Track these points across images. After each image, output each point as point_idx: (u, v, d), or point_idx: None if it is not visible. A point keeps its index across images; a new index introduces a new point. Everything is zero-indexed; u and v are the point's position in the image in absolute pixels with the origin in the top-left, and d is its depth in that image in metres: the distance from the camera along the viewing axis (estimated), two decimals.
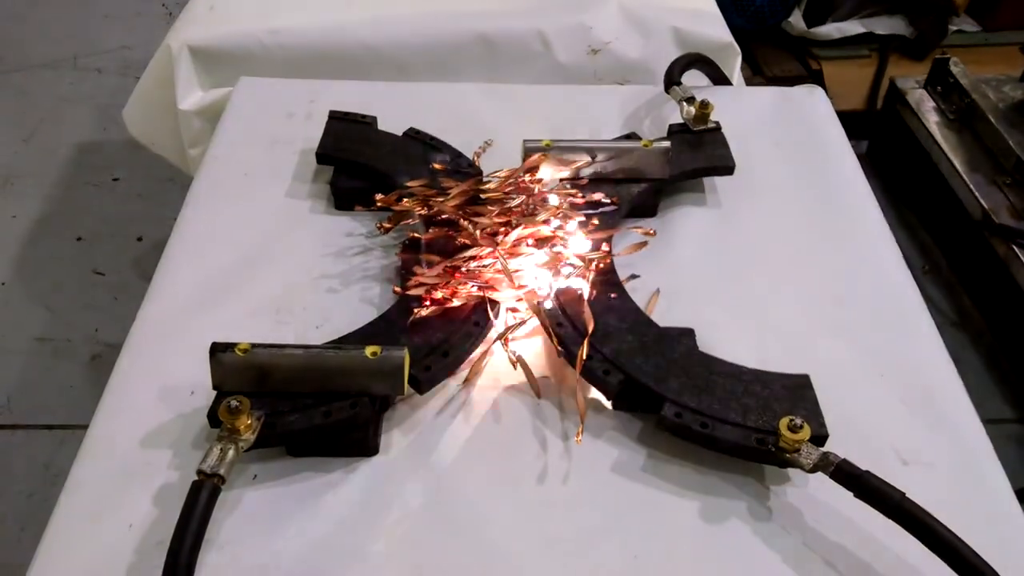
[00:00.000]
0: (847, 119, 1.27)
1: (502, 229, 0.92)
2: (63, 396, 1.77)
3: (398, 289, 0.90)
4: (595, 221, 0.96)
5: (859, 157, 1.19)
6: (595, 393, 0.84)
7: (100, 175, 2.32)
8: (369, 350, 0.76)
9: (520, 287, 0.88)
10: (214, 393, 0.76)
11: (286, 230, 1.03)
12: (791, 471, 0.78)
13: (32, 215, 2.21)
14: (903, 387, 0.87)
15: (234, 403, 0.72)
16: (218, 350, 0.75)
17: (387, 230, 0.97)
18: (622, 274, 0.94)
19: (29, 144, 2.45)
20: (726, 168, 1.08)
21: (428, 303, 0.86)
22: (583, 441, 0.81)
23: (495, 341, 0.87)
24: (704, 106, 1.11)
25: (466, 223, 0.92)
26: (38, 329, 1.93)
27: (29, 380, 1.83)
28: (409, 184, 0.99)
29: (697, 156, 1.09)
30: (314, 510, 0.75)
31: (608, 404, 0.84)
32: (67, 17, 3.00)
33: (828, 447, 0.74)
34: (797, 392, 0.80)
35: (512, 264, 0.88)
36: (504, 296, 0.88)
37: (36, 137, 2.47)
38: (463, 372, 0.87)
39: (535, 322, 0.88)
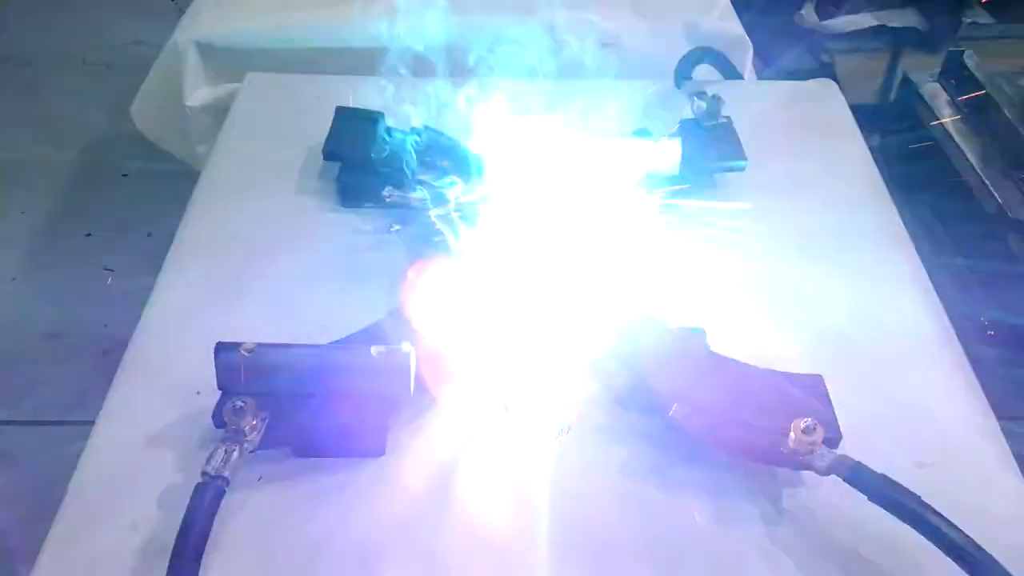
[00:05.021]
0: (859, 112, 1.26)
1: None
2: (73, 391, 1.77)
3: (411, 274, 0.89)
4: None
5: (871, 151, 1.18)
6: (605, 393, 0.83)
7: (110, 170, 2.32)
8: (375, 349, 0.75)
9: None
10: (220, 393, 0.75)
11: (293, 227, 1.02)
12: (804, 473, 0.77)
13: (42, 211, 2.21)
14: (917, 387, 0.86)
15: (239, 404, 0.71)
16: (223, 350, 0.74)
17: (396, 230, 0.96)
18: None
19: (39, 140, 2.45)
20: (737, 164, 1.07)
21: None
22: (593, 442, 0.80)
23: (504, 339, 0.86)
24: (715, 101, 1.09)
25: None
26: (48, 325, 1.93)
27: (39, 375, 1.83)
28: (418, 178, 0.98)
29: (708, 151, 1.07)
30: (320, 511, 0.74)
31: (618, 404, 0.83)
32: (77, 12, 3.00)
33: (841, 449, 0.73)
34: (810, 393, 0.78)
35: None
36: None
37: (46, 132, 2.48)
38: (471, 371, 0.86)
39: (546, 319, 0.87)
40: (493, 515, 0.75)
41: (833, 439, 0.74)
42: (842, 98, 1.26)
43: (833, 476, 0.71)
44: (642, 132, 1.11)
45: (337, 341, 0.83)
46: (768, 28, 2.34)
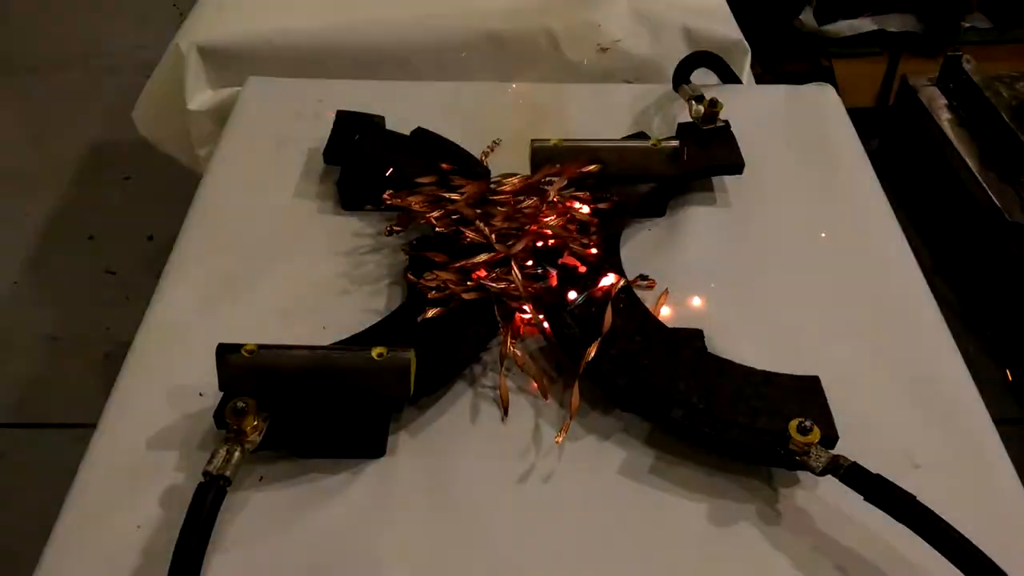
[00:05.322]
0: (858, 117, 1.26)
1: (513, 231, 0.92)
2: (75, 394, 1.78)
3: (411, 276, 0.90)
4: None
5: (869, 155, 1.18)
6: (604, 393, 0.84)
7: (111, 174, 2.33)
8: (375, 351, 0.76)
9: (529, 291, 0.87)
10: (221, 394, 0.76)
11: (293, 230, 1.03)
12: (800, 473, 0.78)
13: (44, 214, 2.22)
14: (914, 389, 0.86)
15: (240, 404, 0.72)
16: (225, 351, 0.75)
17: (396, 232, 0.97)
18: (630, 274, 0.94)
19: (40, 144, 2.46)
20: (735, 167, 1.08)
21: (437, 303, 0.86)
22: (591, 443, 0.80)
23: (503, 343, 0.86)
24: (713, 104, 1.10)
25: (481, 224, 0.92)
26: (50, 328, 1.94)
27: (41, 379, 1.84)
28: (418, 180, 0.99)
29: (706, 155, 1.08)
30: (320, 512, 0.75)
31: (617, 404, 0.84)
32: (78, 17, 3.01)
33: (838, 449, 0.73)
34: (807, 394, 0.79)
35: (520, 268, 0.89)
36: (512, 299, 0.88)
37: (47, 137, 2.48)
38: (470, 373, 0.86)
39: (543, 323, 0.88)
40: (493, 516, 0.75)
41: (830, 439, 0.74)
42: (840, 102, 1.27)
43: (829, 476, 0.71)
44: (640, 135, 1.12)
45: (338, 342, 0.84)
46: (766, 32, 2.36)
